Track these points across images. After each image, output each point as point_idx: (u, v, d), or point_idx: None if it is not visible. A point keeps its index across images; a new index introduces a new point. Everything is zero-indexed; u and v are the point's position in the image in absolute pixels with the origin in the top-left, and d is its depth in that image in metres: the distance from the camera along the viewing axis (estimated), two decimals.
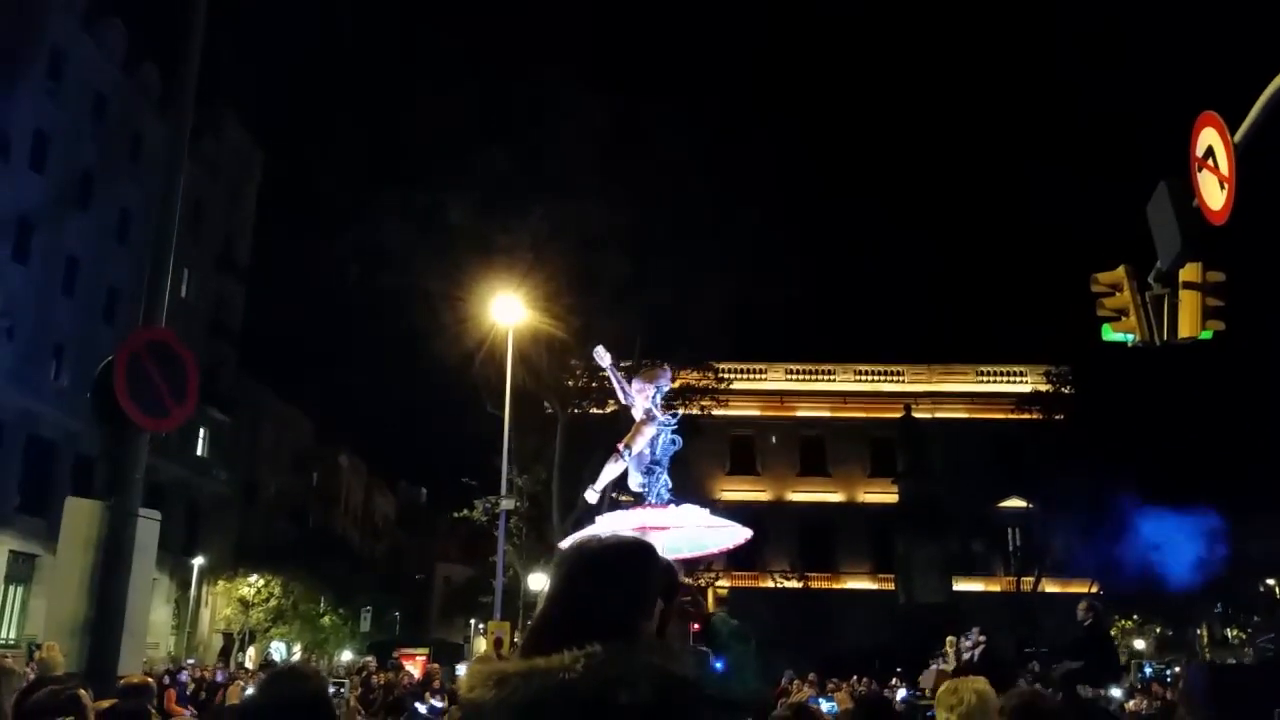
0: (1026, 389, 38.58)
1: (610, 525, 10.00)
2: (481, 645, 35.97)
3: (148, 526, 6.15)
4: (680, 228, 26.29)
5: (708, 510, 9.77)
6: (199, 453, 42.86)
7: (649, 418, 9.75)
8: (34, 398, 31.66)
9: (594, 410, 29.40)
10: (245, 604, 40.38)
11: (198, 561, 39.24)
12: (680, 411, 31.31)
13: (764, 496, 41.80)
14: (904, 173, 72.28)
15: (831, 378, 43.82)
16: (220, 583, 41.53)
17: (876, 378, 43.67)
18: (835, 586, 40.79)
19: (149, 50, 38.64)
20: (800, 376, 43.73)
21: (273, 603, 40.69)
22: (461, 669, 38.81)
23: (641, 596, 1.82)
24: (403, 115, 28.78)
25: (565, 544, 9.64)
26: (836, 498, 42.35)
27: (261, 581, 40.59)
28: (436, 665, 23.99)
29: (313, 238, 40.93)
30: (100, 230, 35.98)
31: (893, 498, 40.25)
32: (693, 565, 32.40)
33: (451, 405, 28.42)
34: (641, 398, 10.07)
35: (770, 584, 39.05)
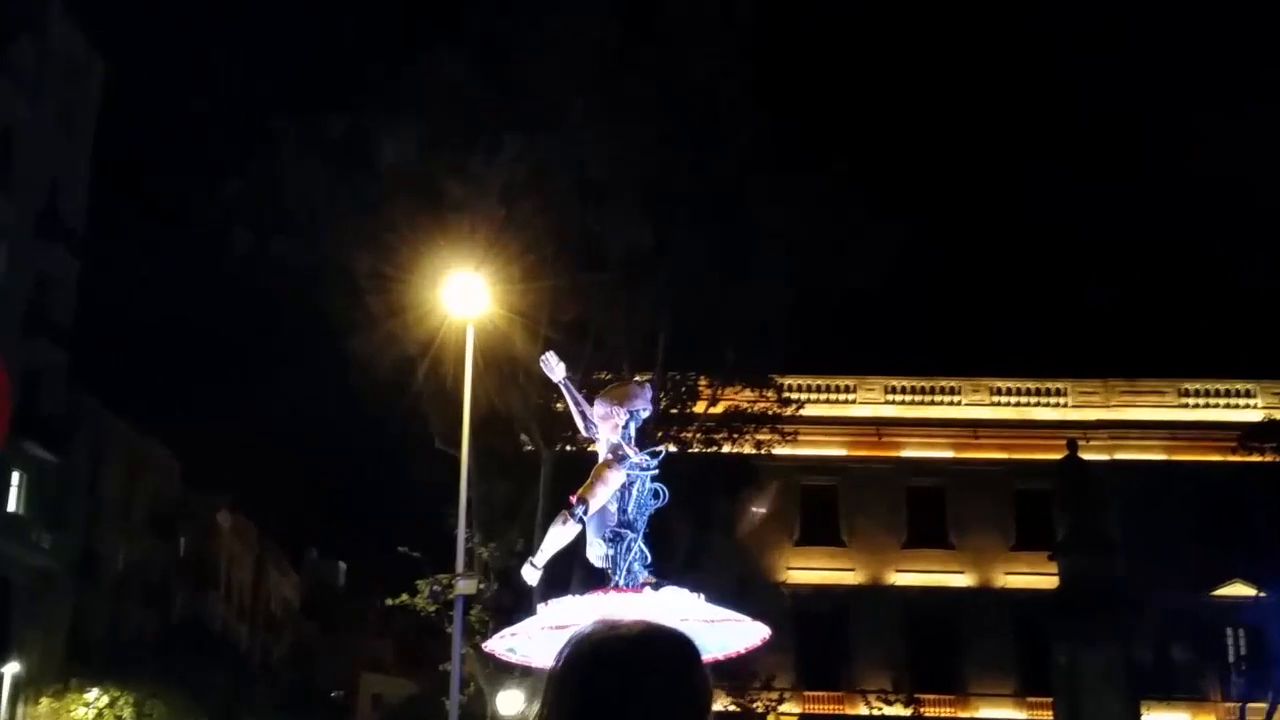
0: (1255, 416, 38.02)
1: (551, 620, 10.16)
2: None
3: None
4: (724, 175, 26.11)
5: (729, 602, 9.90)
6: (10, 507, 43.08)
7: (616, 458, 9.93)
8: None
9: (594, 448, 29.24)
10: None
11: (9, 669, 39.47)
12: (725, 447, 30.84)
13: (852, 577, 41.56)
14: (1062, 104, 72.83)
15: (955, 400, 43.55)
16: (44, 700, 41.70)
17: (1024, 400, 43.32)
18: (961, 715, 40.41)
19: None
20: (907, 398, 43.48)
21: None
22: None
23: (688, 707, 1.89)
24: (311, 3, 28.84)
25: (556, 642, 9.69)
26: (963, 580, 42.04)
27: (104, 699, 40.76)
28: None
29: (178, 189, 41.18)
30: None
31: (1049, 580, 39.80)
32: (739, 682, 32.26)
33: (383, 439, 28.43)
34: (606, 428, 10.14)
35: (863, 709, 38.73)
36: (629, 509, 9.92)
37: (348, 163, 26.00)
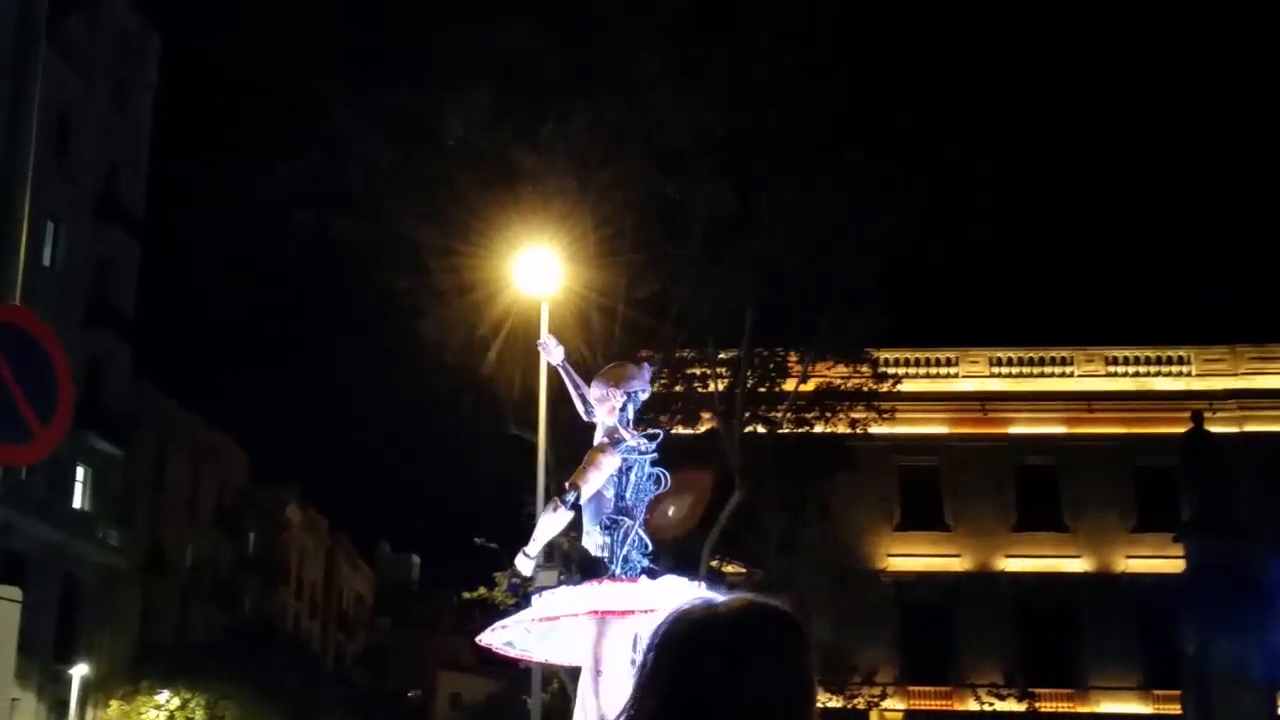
0: None
1: (542, 611, 10.40)
2: None
3: (5, 611, 6.37)
4: (811, 135, 26.06)
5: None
6: (75, 503, 44.22)
7: (611, 442, 10.20)
8: None
9: (679, 430, 29.50)
10: None
11: (79, 671, 40.40)
12: (818, 427, 30.98)
13: (958, 564, 41.43)
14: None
15: (1067, 371, 43.12)
16: (114, 703, 42.76)
17: (1144, 370, 42.78)
18: (1081, 710, 40.14)
19: None
20: (1014, 370, 43.13)
21: None
22: None
23: (797, 695, 1.86)
24: None
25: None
26: (1079, 565, 41.70)
27: (176, 701, 41.61)
28: None
29: (238, 169, 41.88)
30: None
31: (1174, 564, 39.36)
32: (838, 676, 32.40)
33: (456, 427, 28.79)
34: (603, 410, 10.40)
35: (973, 705, 38.64)
36: (626, 495, 10.12)
37: (413, 136, 26.34)
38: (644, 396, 10.68)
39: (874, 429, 32.69)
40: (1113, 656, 40.47)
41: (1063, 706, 39.68)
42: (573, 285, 24.12)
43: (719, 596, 2.05)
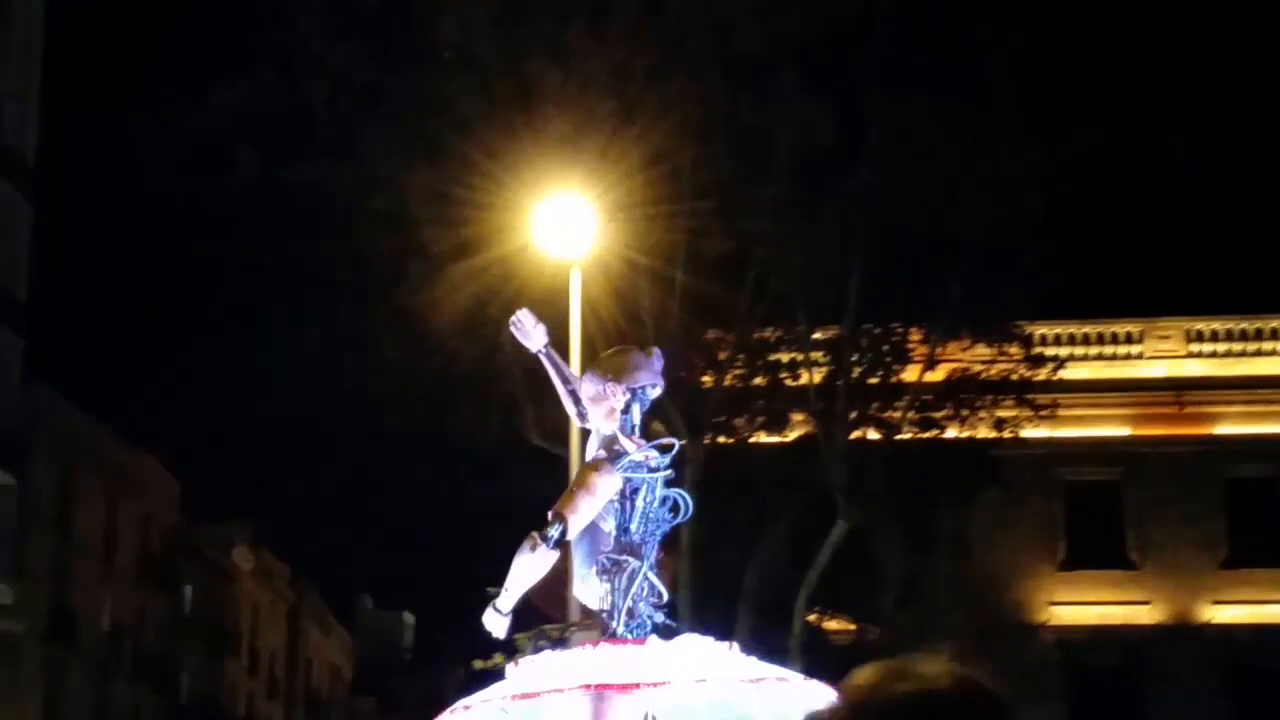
0: None
1: (520, 687, 10.45)
2: None
3: None
4: (938, 32, 25.94)
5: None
6: None
7: (609, 457, 10.25)
8: None
9: (760, 438, 29.50)
10: None
11: None
12: (950, 430, 30.94)
13: (1147, 614, 41.16)
14: None
15: None
16: None
17: None
18: None
19: None
20: (1220, 348, 42.75)
21: None
22: None
23: None
24: None
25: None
26: None
27: None
28: None
29: (160, 99, 42.15)
30: None
31: None
32: None
33: (457, 439, 28.85)
34: (600, 413, 10.44)
35: None
36: (632, 527, 10.12)
37: (395, 44, 26.48)
38: (654, 393, 10.70)
39: (1029, 431, 32.47)
40: None
41: None
42: (612, 245, 24.18)
43: (918, 668, 2.07)
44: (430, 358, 27.27)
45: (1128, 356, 42.14)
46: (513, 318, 10.83)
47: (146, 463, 55.14)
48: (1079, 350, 39.06)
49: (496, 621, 10.87)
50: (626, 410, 10.31)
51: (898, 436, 29.85)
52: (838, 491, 27.24)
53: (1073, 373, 36.04)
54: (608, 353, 11.26)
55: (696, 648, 10.12)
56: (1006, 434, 31.82)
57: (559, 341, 22.31)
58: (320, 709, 70.71)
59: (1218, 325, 42.54)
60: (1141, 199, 28.65)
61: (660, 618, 10.12)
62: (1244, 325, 42.49)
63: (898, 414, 29.88)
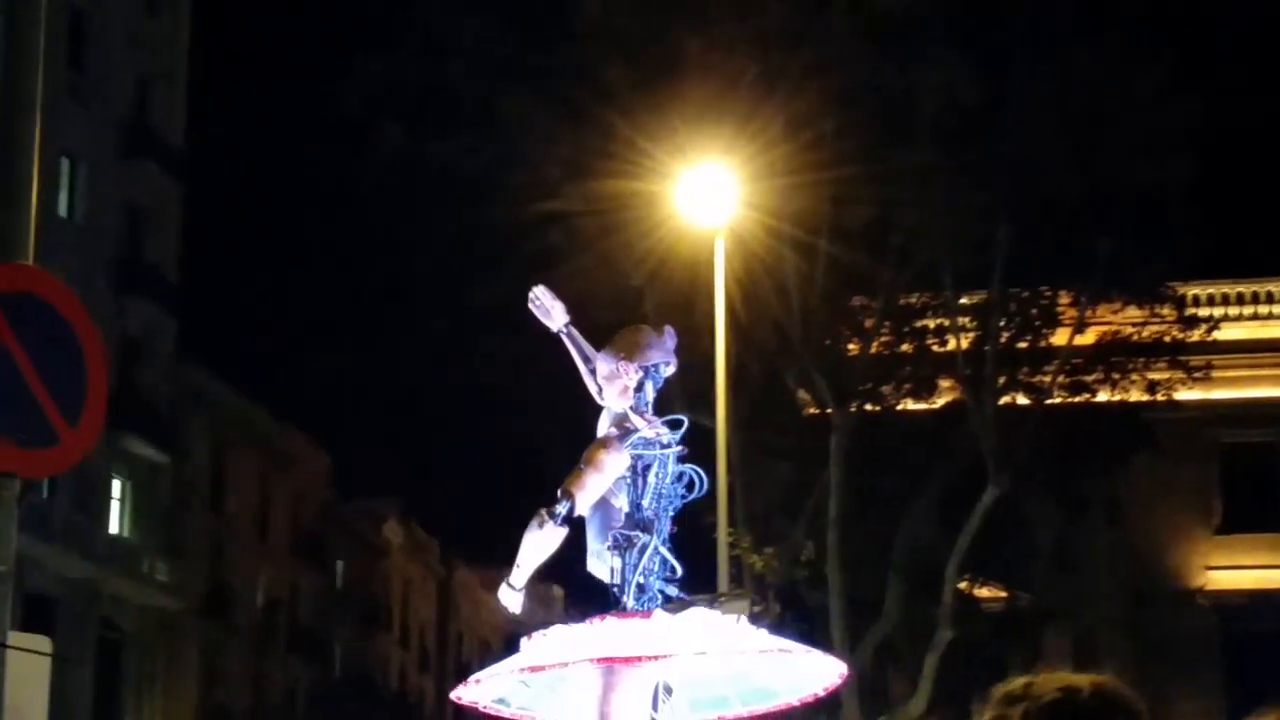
0: None
1: (530, 659, 10.54)
2: None
3: (29, 669, 6.59)
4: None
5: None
6: (112, 528, 45.59)
7: (619, 435, 10.43)
8: None
9: (907, 405, 29.30)
10: None
11: None
12: (1102, 394, 30.36)
13: None
14: None
15: None
16: None
17: None
18: None
19: None
20: None
21: None
22: None
23: None
24: None
25: (545, 688, 10.06)
26: None
27: None
28: None
29: (303, 77, 42.64)
30: None
31: None
32: None
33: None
34: (613, 391, 10.54)
35: None
36: (644, 503, 10.28)
37: (535, 18, 26.55)
38: (668, 371, 10.84)
39: (1183, 394, 31.98)
40: None
41: None
42: (756, 214, 24.11)
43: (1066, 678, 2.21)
44: (582, 326, 27.31)
45: None
46: (531, 295, 11.01)
47: (297, 440, 55.86)
48: (1233, 310, 38.37)
49: (511, 597, 11.05)
50: (640, 388, 10.54)
51: (1048, 401, 29.51)
52: (988, 457, 26.97)
53: (1227, 333, 35.43)
54: (622, 332, 11.34)
55: (705, 620, 10.29)
56: (1159, 397, 31.32)
57: (705, 310, 22.41)
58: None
59: None
60: None
61: (673, 591, 10.27)
62: None
63: (1047, 378, 29.54)
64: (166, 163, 47.89)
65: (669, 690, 10.36)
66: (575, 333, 11.10)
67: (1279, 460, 40.38)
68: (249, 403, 52.09)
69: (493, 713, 11.83)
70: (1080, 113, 25.58)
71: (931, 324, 29.59)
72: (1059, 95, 25.59)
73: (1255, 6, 25.89)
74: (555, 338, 11.28)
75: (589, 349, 11.04)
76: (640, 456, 10.30)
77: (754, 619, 24.66)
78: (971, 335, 28.79)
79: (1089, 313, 29.89)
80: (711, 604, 23.48)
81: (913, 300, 29.28)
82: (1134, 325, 31.08)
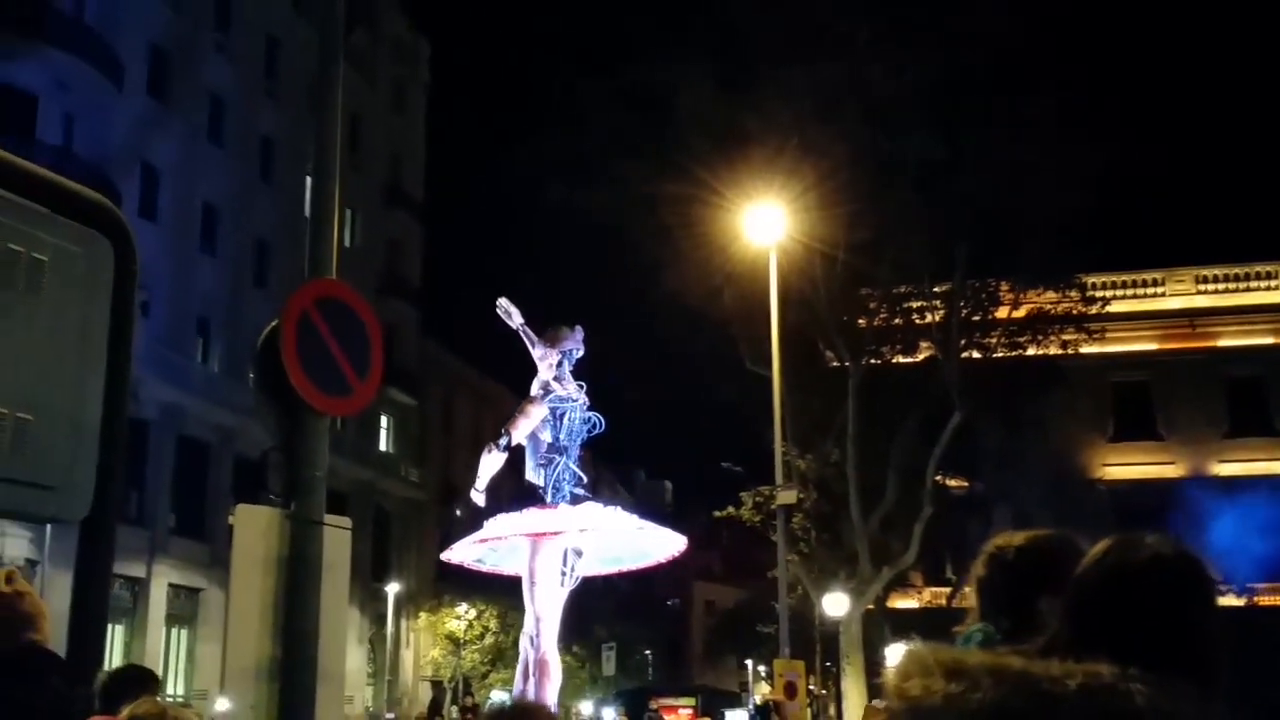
0: None
1: (489, 533, 10.94)
2: (765, 691, 36.84)
3: (337, 538, 6.80)
4: (1009, 76, 25.21)
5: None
6: (382, 447, 46.40)
7: (541, 394, 11.25)
8: (180, 388, 35.30)
9: (899, 359, 29.17)
10: (455, 642, 43.18)
11: (393, 589, 42.49)
12: (1030, 350, 30.03)
13: (1172, 470, 39.91)
14: None
15: (1272, 284, 40.94)
16: (422, 615, 44.87)
17: None
18: None
19: None
20: (1219, 286, 41.18)
21: (489, 639, 43.24)
22: (736, 718, 40.14)
23: (1197, 629, 1.86)
24: None
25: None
26: None
27: (473, 612, 43.36)
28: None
29: (497, 152, 43.05)
30: (239, 168, 39.46)
31: None
32: None
33: (697, 364, 29.16)
34: (544, 367, 11.09)
35: None
36: (560, 436, 10.91)
37: (648, 112, 26.64)
38: (578, 354, 11.56)
39: (1085, 349, 31.71)
40: None
41: (1278, 600, 38.01)
42: (797, 234, 24.22)
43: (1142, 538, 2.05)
44: (679, 313, 27.56)
45: (1154, 294, 40.93)
46: (498, 304, 11.69)
47: (497, 389, 56.26)
48: (1119, 292, 37.89)
49: (477, 496, 11.63)
50: (559, 364, 11.27)
51: (994, 355, 29.37)
52: (953, 394, 26.90)
53: (1114, 307, 35.01)
54: (548, 330, 11.92)
55: (594, 509, 11.01)
56: (1069, 351, 31.09)
57: (763, 299, 22.49)
58: None
59: (1218, 270, 41.14)
60: (1162, 180, 27.79)
61: (581, 492, 11.01)
62: (1237, 269, 41.04)
63: (993, 340, 29.42)
64: (411, 210, 48.59)
65: (579, 553, 10.88)
66: (528, 329, 11.85)
67: (1151, 392, 40.00)
68: (465, 364, 52.72)
69: (475, 568, 12.52)
70: (1016, 163, 25.27)
71: (915, 305, 29.45)
72: (1001, 151, 25.31)
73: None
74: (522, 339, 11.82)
75: (535, 338, 11.64)
76: (556, 407, 10.94)
77: (799, 503, 24.56)
78: (941, 312, 28.66)
79: (1021, 295, 29.68)
80: (771, 490, 23.48)
81: (900, 290, 29.13)
82: (1051, 304, 30.81)
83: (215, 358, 38.37)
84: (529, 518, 10.85)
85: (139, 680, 4.56)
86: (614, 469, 72.03)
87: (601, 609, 52.83)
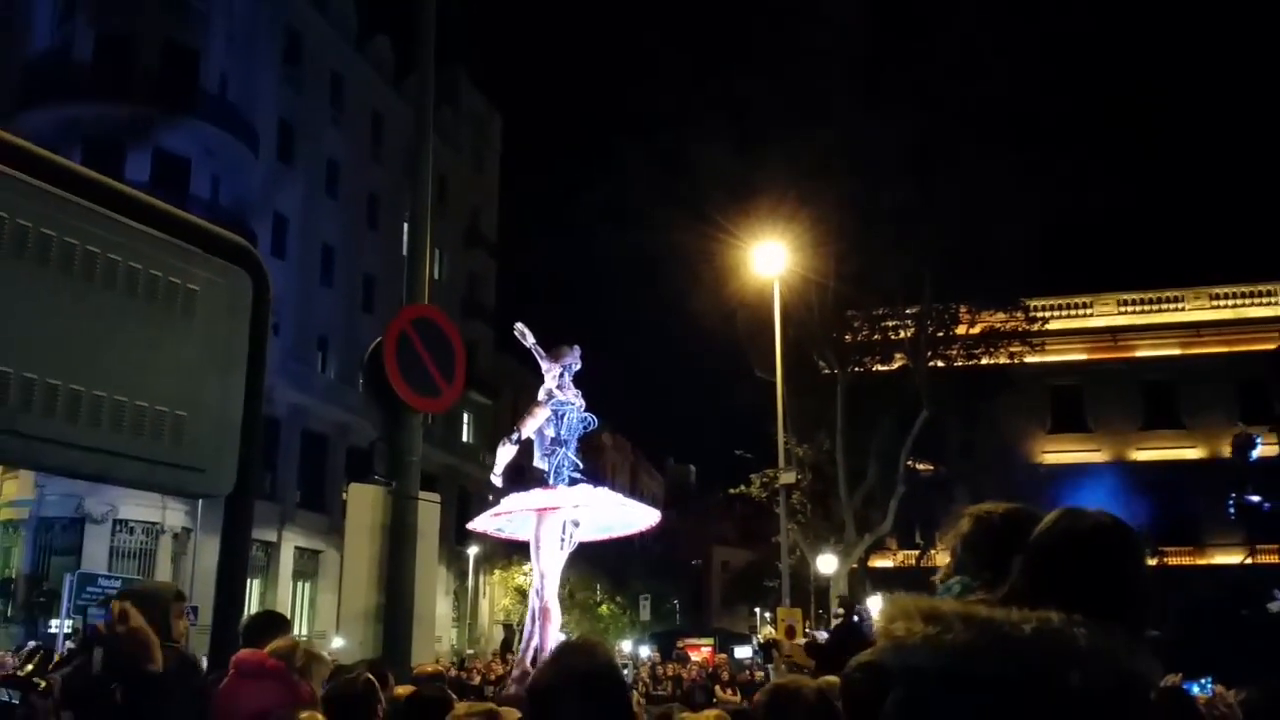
0: None
1: (503, 508, 11.05)
2: (767, 632, 36.60)
3: (429, 510, 6.86)
4: (969, 133, 24.94)
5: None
6: (464, 438, 46.50)
7: (546, 399, 11.21)
8: (304, 392, 35.69)
9: (878, 367, 28.92)
10: (522, 594, 43.29)
11: (472, 551, 42.68)
12: (984, 360, 29.59)
13: (1098, 456, 39.44)
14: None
15: (1178, 306, 40.45)
16: (495, 572, 44.98)
17: (1239, 302, 39.71)
18: (1199, 562, 37.76)
19: (375, 23, 41.98)
20: (1137, 308, 40.70)
21: None
22: (744, 653, 40.08)
23: (1129, 583, 1.85)
24: (637, 53, 29.48)
25: (516, 523, 10.96)
26: (1194, 453, 39.10)
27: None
28: (724, 656, 24.82)
29: (556, 201, 43.32)
30: (350, 217, 39.81)
31: (1274, 449, 36.62)
32: None
33: (716, 372, 29.19)
34: (549, 378, 11.23)
35: None
36: (561, 432, 11.01)
37: (676, 170, 26.63)
38: (576, 368, 11.81)
39: (1029, 359, 31.33)
40: (1220, 522, 37.93)
41: (1185, 560, 37.54)
42: (796, 267, 24.04)
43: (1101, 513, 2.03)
44: (703, 334, 27.53)
45: (1084, 314, 40.57)
46: (515, 328, 11.85)
47: None
48: (1055, 312, 37.50)
49: (495, 479, 11.80)
50: (561, 375, 11.40)
51: (955, 364, 29.07)
52: (922, 396, 26.65)
53: (1053, 325, 34.71)
54: (555, 347, 12.13)
55: (586, 490, 11.23)
56: (1016, 361, 30.70)
57: (769, 319, 22.40)
58: None
59: (1137, 295, 40.74)
60: (1087, 225, 27.42)
61: (578, 476, 11.24)
62: (1151, 294, 40.64)
63: (954, 351, 29.12)
64: (487, 250, 48.79)
65: (576, 524, 10.97)
66: (539, 347, 11.97)
67: (1082, 393, 39.60)
68: (530, 372, 52.50)
69: (496, 536, 12.69)
70: (973, 208, 24.98)
71: (890, 324, 29.20)
72: (960, 198, 25.03)
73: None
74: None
75: (543, 354, 11.82)
76: (557, 409, 11.06)
77: (797, 482, 24.28)
78: (912, 329, 28.40)
79: (976, 316, 29.38)
80: (775, 474, 23.26)
81: (879, 311, 28.91)
82: (1001, 322, 30.48)
83: (332, 368, 38.61)
84: (534, 495, 11.08)
85: (274, 622, 4.58)
86: (649, 455, 72.12)
87: (638, 568, 52.86)
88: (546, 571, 10.89)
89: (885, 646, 1.74)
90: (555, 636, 10.46)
